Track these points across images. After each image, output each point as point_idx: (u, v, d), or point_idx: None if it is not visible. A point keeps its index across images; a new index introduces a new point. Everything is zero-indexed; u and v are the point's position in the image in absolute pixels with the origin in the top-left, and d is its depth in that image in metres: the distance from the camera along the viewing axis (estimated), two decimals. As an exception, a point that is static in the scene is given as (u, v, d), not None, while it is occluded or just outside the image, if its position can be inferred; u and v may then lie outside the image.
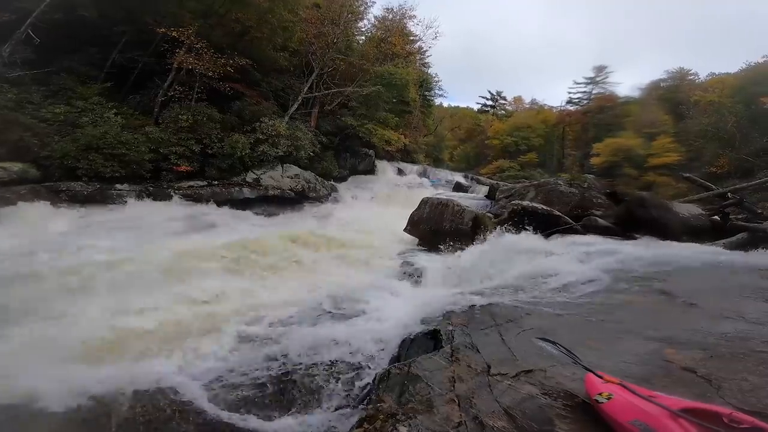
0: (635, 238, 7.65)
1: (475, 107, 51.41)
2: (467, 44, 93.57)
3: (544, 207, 10.03)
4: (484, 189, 19.28)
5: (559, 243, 7.61)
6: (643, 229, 8.17)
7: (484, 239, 7.85)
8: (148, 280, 5.69)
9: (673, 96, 35.96)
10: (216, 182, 13.25)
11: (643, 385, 2.04)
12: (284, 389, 3.39)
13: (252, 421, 2.97)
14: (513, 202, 10.87)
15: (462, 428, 2.03)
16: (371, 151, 21.13)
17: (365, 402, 2.99)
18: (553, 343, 2.84)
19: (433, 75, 32.96)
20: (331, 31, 17.73)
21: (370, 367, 3.67)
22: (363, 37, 25.39)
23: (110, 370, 3.35)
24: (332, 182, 17.85)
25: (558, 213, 9.83)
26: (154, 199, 11.50)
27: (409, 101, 23.63)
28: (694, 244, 7.23)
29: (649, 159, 29.99)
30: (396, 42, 25.29)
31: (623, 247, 6.69)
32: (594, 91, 40.12)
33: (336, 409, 3.12)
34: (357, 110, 20.13)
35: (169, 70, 13.35)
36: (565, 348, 2.68)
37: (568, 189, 11.09)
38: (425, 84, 29.68)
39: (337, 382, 3.47)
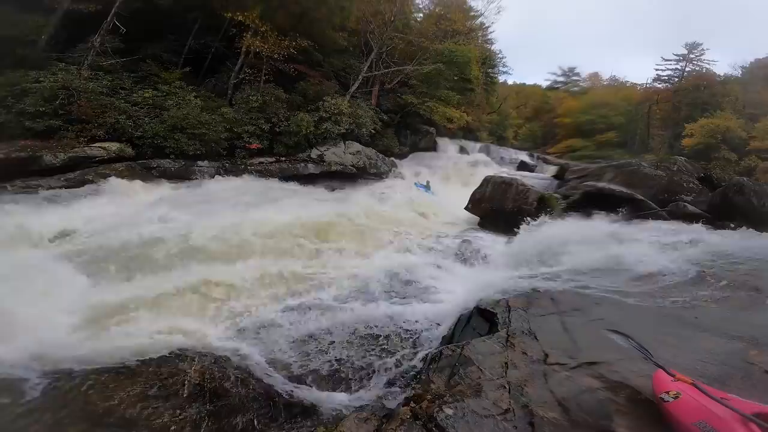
0: (730, 228, 6.80)
1: (544, 84, 49.15)
2: (534, 19, 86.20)
3: (624, 189, 9.31)
4: (552, 169, 18.35)
5: (639, 229, 7.01)
6: (739, 218, 7.41)
7: (551, 221, 7.45)
8: (219, 252, 6.15)
9: (785, 75, 30.73)
10: (283, 158, 14.00)
11: (719, 386, 1.87)
12: (338, 362, 3.54)
13: (305, 391, 3.15)
14: (586, 183, 10.19)
15: (509, 415, 1.98)
16: (432, 128, 20.81)
17: (415, 380, 3.02)
18: (625, 336, 2.64)
19: (497, 52, 31.80)
20: (387, 9, 17.47)
21: (422, 346, 3.69)
22: (421, 14, 24.72)
23: (187, 332, 3.72)
24: (393, 159, 17.89)
25: (640, 197, 9.12)
26: (230, 175, 12.43)
27: (471, 79, 22.70)
28: (801, 237, 6.19)
29: (751, 142, 26.35)
30: (456, 18, 24.27)
31: (714, 237, 6.07)
32: (687, 69, 36.06)
33: (386, 386, 3.20)
34: (417, 88, 19.86)
35: (239, 54, 14.13)
36: (637, 342, 2.47)
37: (654, 171, 10.09)
38: (488, 61, 28.51)
39: (389, 358, 3.54)
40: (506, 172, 16.29)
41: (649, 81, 40.32)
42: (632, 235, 6.33)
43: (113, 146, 10.56)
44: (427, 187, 14.55)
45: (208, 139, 12.05)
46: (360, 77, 17.10)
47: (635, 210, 8.53)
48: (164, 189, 10.52)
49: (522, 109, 45.02)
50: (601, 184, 9.56)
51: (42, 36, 11.07)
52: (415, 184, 14.63)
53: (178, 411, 2.60)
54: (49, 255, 5.56)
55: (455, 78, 20.73)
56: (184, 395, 2.72)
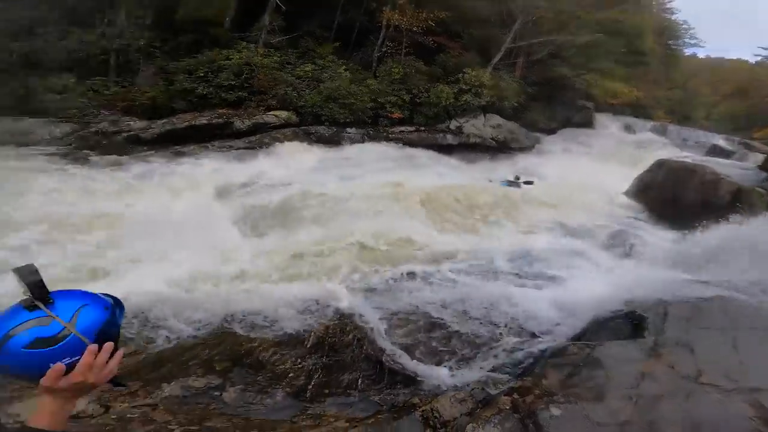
0: None
1: (752, 60, 38.61)
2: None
3: None
4: (759, 158, 14.11)
5: None
6: None
7: (749, 220, 5.93)
8: (363, 212, 6.52)
9: None
10: (423, 128, 14.40)
11: None
12: (448, 338, 3.50)
13: (410, 360, 3.20)
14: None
15: (627, 428, 1.66)
16: (589, 103, 18.46)
17: (525, 372, 2.79)
18: None
19: (681, 22, 27.33)
20: (531, -24, 15.47)
21: (542, 337, 3.37)
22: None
23: (324, 286, 4.11)
24: (538, 134, 16.60)
25: None
26: (374, 141, 13.35)
27: (643, 51, 19.62)
28: None
29: None
30: (620, -16, 20.31)
31: None
32: None
33: (491, 370, 3.04)
34: (571, 60, 17.69)
35: (380, 28, 14.72)
36: None
37: None
38: (667, 32, 24.75)
39: (501, 343, 3.35)
40: (688, 156, 13.22)
41: None
42: None
43: (283, 114, 12.38)
44: (515, 182, 11.15)
45: (356, 108, 13.07)
46: (503, 48, 15.90)
47: None
48: (321, 152, 11.90)
49: (719, 86, 37.32)
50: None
51: (226, 18, 13.25)
52: (501, 183, 11.01)
53: (299, 360, 2.95)
54: (230, 206, 6.77)
55: (622, 50, 18.12)
56: (308, 346, 3.07)
